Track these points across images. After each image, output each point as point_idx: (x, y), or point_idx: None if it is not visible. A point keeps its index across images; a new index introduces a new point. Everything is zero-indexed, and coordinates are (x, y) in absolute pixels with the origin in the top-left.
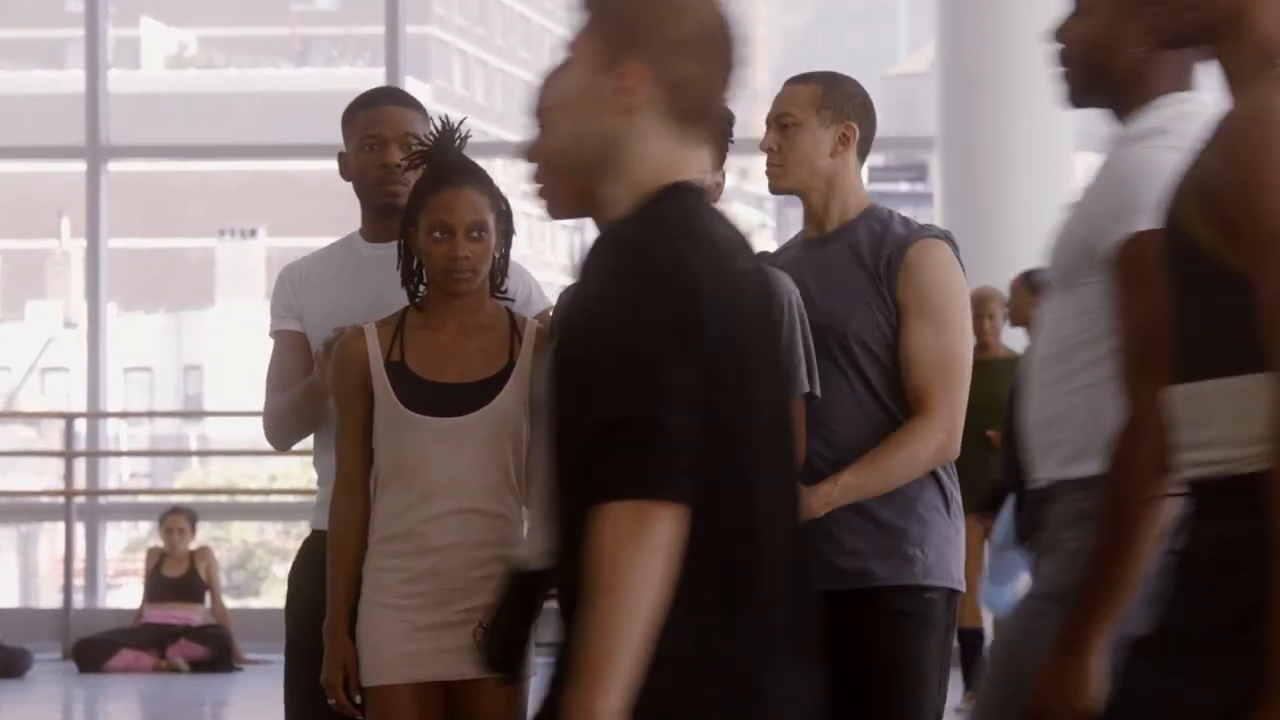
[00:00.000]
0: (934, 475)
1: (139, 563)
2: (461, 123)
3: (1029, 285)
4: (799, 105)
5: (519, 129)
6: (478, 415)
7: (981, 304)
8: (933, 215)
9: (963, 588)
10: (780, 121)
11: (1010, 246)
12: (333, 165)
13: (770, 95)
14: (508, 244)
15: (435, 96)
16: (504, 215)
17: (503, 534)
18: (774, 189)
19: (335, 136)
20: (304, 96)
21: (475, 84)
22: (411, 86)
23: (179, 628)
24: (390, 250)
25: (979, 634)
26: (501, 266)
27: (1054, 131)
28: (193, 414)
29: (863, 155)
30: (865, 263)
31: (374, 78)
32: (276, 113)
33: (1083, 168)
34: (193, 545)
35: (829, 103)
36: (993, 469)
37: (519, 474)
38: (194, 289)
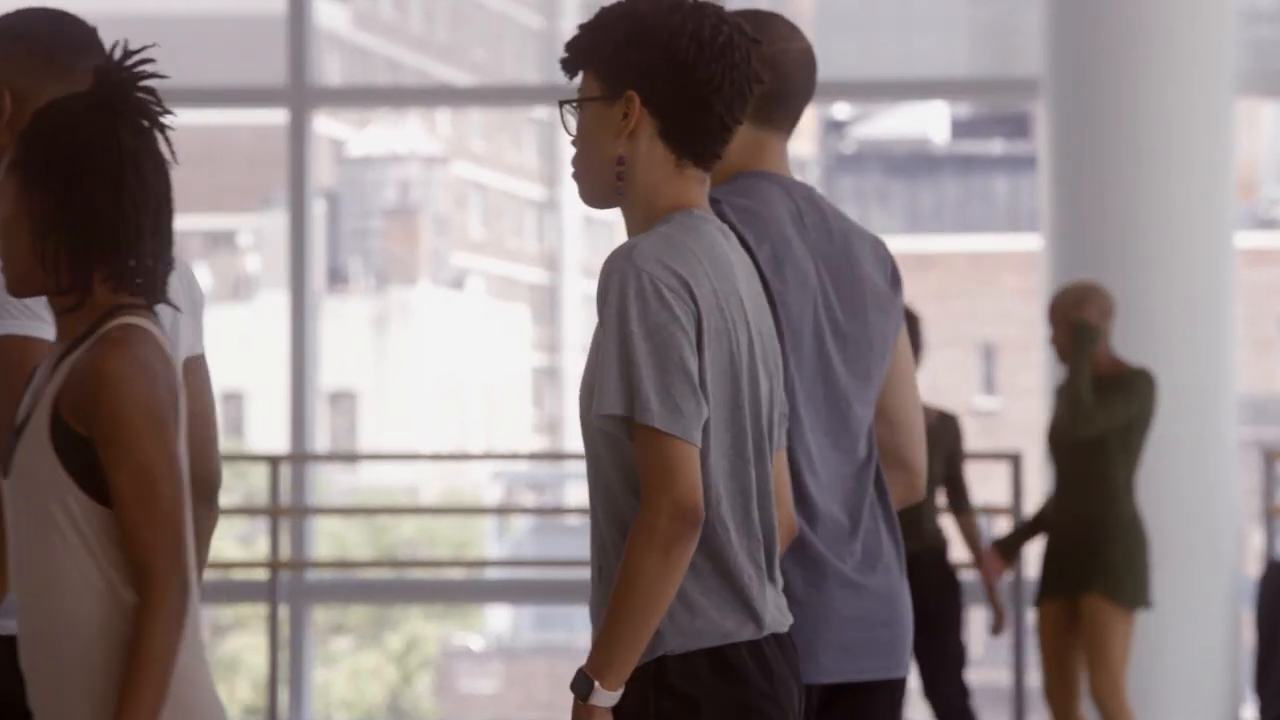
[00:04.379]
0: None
1: None
2: (134, 54)
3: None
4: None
5: (469, 67)
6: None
7: (1079, 305)
8: (1037, 183)
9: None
10: None
11: (1143, 225)
12: (222, 120)
13: (813, 24)
14: (59, 222)
15: (356, 22)
16: (27, 177)
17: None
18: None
19: (224, 78)
20: (181, 25)
21: (410, 6)
22: (325, 11)
23: None
24: None
25: None
26: (46, 255)
27: (1206, 70)
28: None
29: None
30: None
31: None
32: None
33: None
34: None
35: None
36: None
37: (73, 555)
38: None
